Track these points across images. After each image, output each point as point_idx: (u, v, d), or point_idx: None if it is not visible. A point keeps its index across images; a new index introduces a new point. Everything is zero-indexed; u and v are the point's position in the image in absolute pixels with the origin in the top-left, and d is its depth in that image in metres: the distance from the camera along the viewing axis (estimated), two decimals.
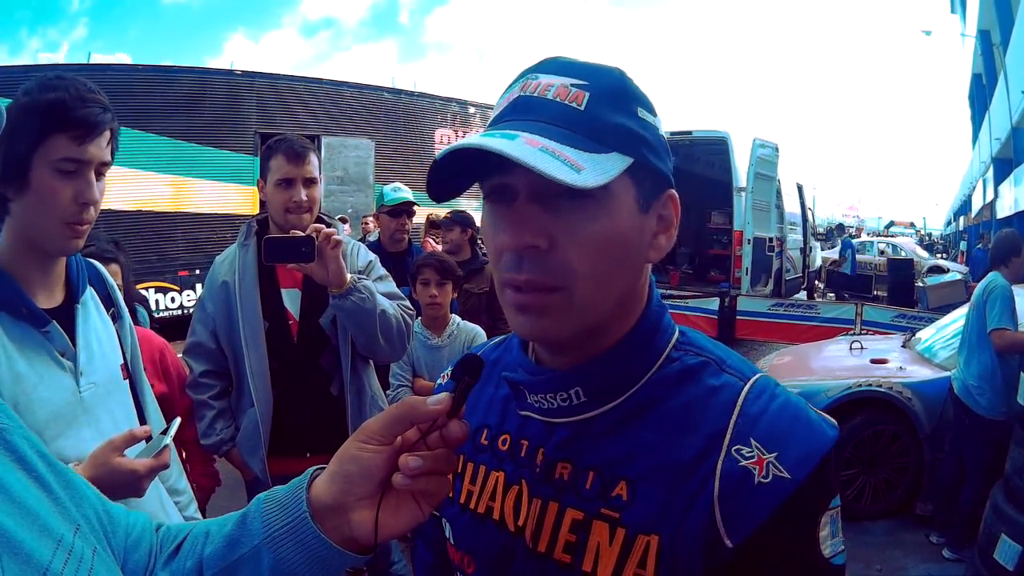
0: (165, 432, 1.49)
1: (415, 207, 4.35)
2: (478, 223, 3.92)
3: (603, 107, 0.75)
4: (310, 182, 2.51)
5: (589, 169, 0.70)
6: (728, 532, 0.73)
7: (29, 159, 1.40)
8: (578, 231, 0.74)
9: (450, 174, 0.79)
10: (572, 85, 0.76)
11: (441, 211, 6.86)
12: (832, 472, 0.76)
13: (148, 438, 1.48)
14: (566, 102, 0.75)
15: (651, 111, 0.80)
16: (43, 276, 1.52)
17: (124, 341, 1.75)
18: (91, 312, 1.62)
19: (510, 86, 0.81)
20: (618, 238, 0.76)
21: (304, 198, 2.48)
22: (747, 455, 0.74)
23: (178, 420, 1.54)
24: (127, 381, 1.70)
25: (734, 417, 0.77)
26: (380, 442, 0.74)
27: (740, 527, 0.73)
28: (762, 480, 0.73)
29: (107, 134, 1.48)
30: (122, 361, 1.69)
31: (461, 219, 4.81)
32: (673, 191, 0.83)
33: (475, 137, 0.71)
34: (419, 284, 3.33)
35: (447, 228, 4.85)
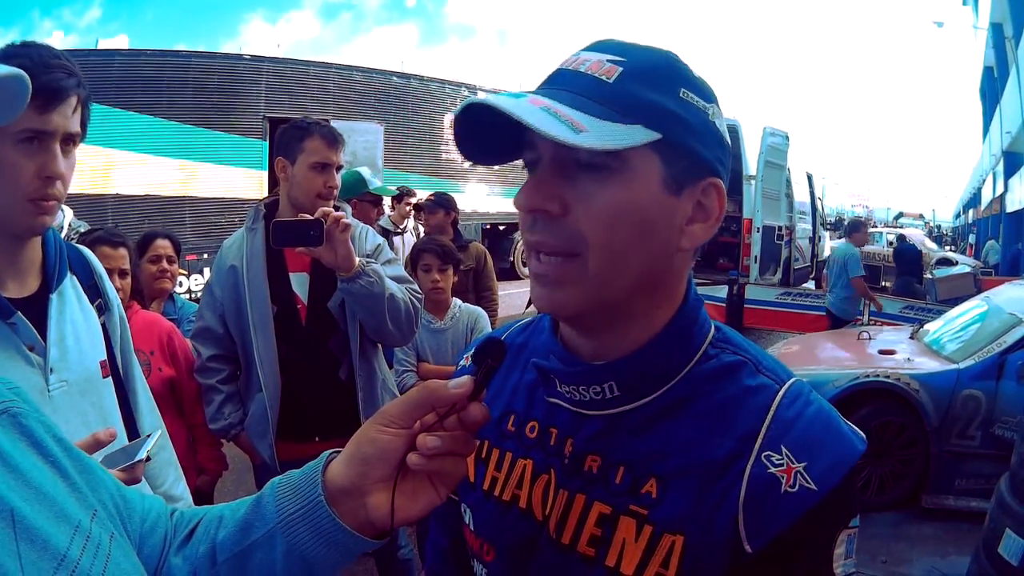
0: (144, 440, 1.39)
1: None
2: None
3: (635, 83, 0.74)
4: (339, 168, 2.54)
5: (592, 132, 0.69)
6: (749, 537, 0.73)
7: None
8: (592, 199, 0.74)
9: (482, 140, 0.79)
10: (608, 61, 0.75)
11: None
12: (855, 486, 0.76)
13: (135, 435, 1.43)
14: (596, 75, 0.75)
15: (704, 97, 0.78)
16: (11, 262, 1.40)
17: (112, 335, 1.64)
18: (69, 302, 1.50)
19: None
20: (635, 212, 0.74)
21: (337, 183, 2.51)
22: (776, 462, 0.74)
23: (158, 432, 1.44)
24: (109, 379, 1.57)
25: (767, 421, 0.76)
26: (400, 426, 0.74)
27: (761, 533, 0.73)
28: (788, 489, 0.72)
29: (72, 101, 1.36)
30: (104, 357, 1.57)
31: (444, 202, 4.86)
32: (718, 180, 0.80)
33: (484, 97, 0.71)
34: (420, 270, 3.33)
35: (430, 211, 4.86)
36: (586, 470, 0.83)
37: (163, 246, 3.38)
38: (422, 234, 6.74)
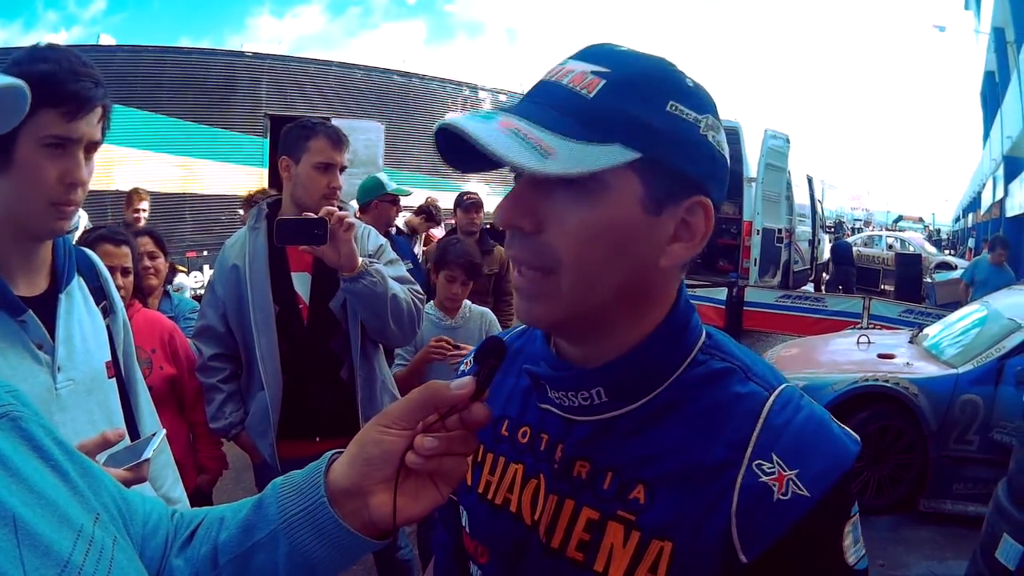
0: (149, 440, 1.39)
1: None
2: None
3: (617, 97, 0.71)
4: (343, 169, 2.54)
5: (562, 156, 0.67)
6: (743, 547, 0.72)
7: (14, 134, 1.28)
8: (565, 217, 0.73)
9: (466, 148, 0.76)
10: (593, 72, 0.73)
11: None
12: (851, 487, 0.76)
13: (135, 437, 1.42)
14: (577, 88, 0.72)
15: (697, 108, 0.75)
16: (23, 262, 1.41)
17: (116, 337, 1.65)
18: (76, 303, 1.51)
19: None
20: (609, 231, 0.73)
21: (341, 184, 2.51)
22: (768, 471, 0.73)
23: (162, 432, 1.45)
24: (113, 380, 1.59)
25: (757, 429, 0.76)
26: (403, 427, 0.74)
27: (755, 544, 0.72)
28: (781, 497, 0.72)
29: (98, 111, 1.37)
30: (109, 358, 1.58)
31: (481, 202, 5.18)
32: (705, 199, 0.76)
33: (456, 117, 0.70)
34: (444, 278, 3.33)
35: (465, 210, 5.00)
36: (575, 475, 0.83)
37: (143, 242, 3.39)
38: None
